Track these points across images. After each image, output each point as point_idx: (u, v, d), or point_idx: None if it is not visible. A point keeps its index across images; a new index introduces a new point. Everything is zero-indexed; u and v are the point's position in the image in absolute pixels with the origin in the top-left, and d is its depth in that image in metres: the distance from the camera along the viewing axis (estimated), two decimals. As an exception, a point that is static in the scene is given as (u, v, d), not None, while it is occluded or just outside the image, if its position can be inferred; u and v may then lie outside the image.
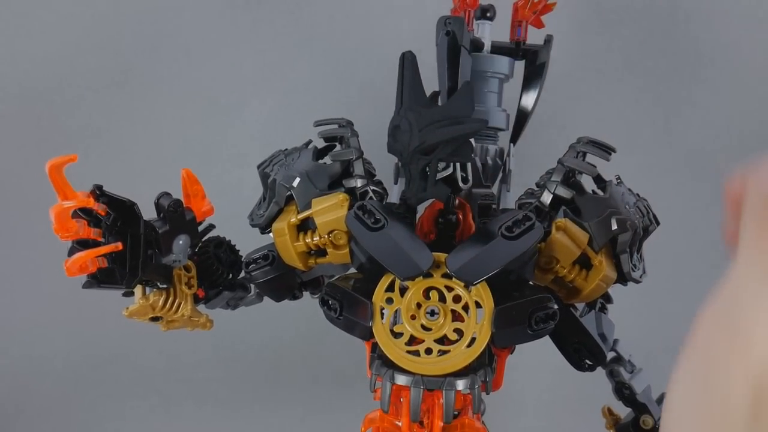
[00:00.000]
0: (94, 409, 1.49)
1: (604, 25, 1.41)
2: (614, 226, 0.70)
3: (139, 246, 0.71)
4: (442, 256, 0.66)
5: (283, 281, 0.80)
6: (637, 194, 0.77)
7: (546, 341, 0.74)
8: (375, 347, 0.71)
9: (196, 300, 0.83)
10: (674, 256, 1.49)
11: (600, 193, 0.74)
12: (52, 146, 1.41)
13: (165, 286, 0.78)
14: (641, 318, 1.50)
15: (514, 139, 0.88)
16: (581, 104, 1.44)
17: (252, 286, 0.88)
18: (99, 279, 0.72)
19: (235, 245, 0.88)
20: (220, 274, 0.84)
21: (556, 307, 0.66)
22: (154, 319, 0.80)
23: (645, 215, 0.75)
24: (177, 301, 0.78)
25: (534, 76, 0.87)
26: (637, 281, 0.74)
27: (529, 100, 0.88)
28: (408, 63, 0.66)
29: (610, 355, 0.86)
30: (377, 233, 0.65)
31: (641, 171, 1.46)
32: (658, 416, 0.86)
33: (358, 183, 0.72)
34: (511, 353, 0.78)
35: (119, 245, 0.71)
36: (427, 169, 0.67)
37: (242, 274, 0.86)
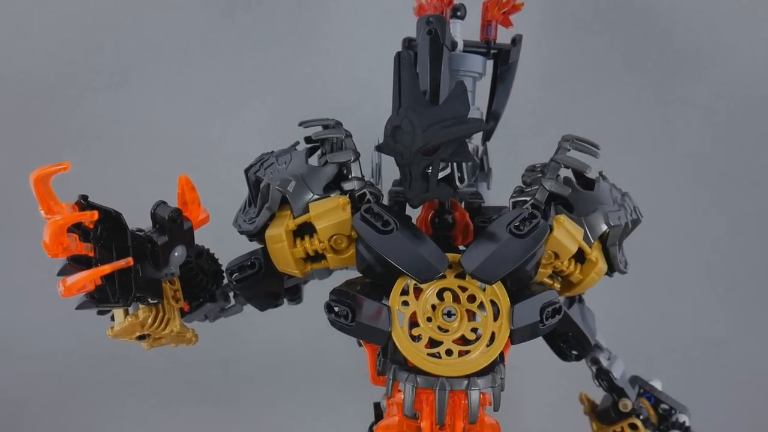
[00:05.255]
0: (94, 409, 1.49)
1: (604, 25, 1.41)
2: (607, 221, 0.71)
3: (127, 257, 0.65)
4: (455, 257, 0.66)
5: (270, 289, 0.77)
6: (620, 189, 0.77)
7: (540, 340, 0.75)
8: (384, 351, 0.70)
9: (181, 314, 0.76)
10: (673, 255, 1.49)
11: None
12: (52, 146, 1.41)
13: (155, 301, 0.72)
14: (640, 315, 1.51)
15: (487, 137, 0.88)
16: (581, 104, 1.44)
17: (231, 295, 0.84)
18: (97, 299, 0.66)
19: (214, 254, 0.83)
20: (205, 285, 0.79)
21: (561, 301, 0.67)
22: (141, 337, 0.74)
23: (632, 210, 0.76)
24: (166, 316, 0.72)
25: (505, 75, 0.87)
26: (623, 272, 0.76)
27: (500, 99, 0.88)
28: (404, 62, 0.66)
29: None
30: (389, 236, 0.64)
31: (641, 171, 1.47)
32: (634, 399, 0.89)
33: (356, 185, 0.70)
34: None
35: (130, 261, 0.64)
36: (428, 169, 0.67)
37: (224, 283, 0.82)
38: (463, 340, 0.65)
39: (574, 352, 0.82)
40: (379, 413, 0.88)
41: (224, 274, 0.77)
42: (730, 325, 1.49)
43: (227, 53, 1.41)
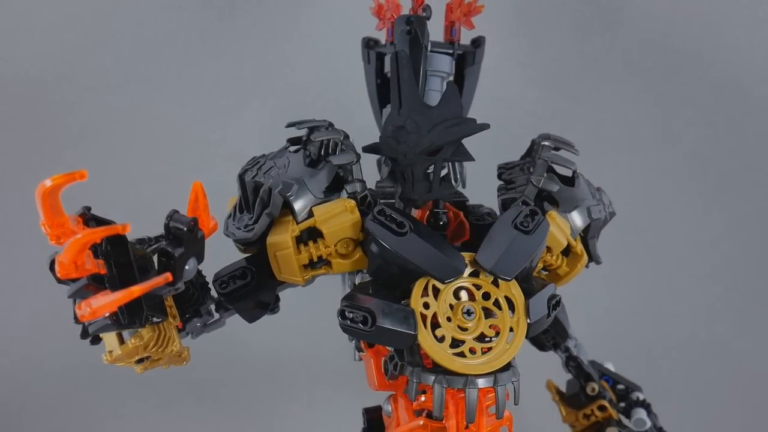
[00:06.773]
0: (94, 409, 1.49)
1: (604, 25, 1.41)
2: (590, 215, 0.74)
3: (131, 274, 0.59)
4: (468, 255, 0.66)
5: (262, 299, 0.74)
6: (593, 185, 0.79)
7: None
8: (400, 354, 0.69)
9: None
10: (673, 255, 1.49)
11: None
12: (52, 146, 1.41)
13: (159, 319, 0.66)
14: (640, 315, 1.50)
15: None
16: (581, 104, 1.44)
17: (213, 309, 0.78)
18: (116, 320, 0.61)
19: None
20: (196, 299, 0.74)
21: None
22: (139, 360, 0.69)
23: (608, 204, 0.79)
24: (167, 336, 0.68)
25: (470, 76, 0.87)
26: (599, 263, 0.78)
27: (466, 100, 0.88)
28: (403, 62, 0.66)
29: None
30: (405, 237, 0.64)
31: (641, 170, 1.47)
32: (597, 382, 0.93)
33: (359, 187, 0.69)
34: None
35: (169, 276, 0.58)
36: (429, 170, 0.67)
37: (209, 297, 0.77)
38: (480, 338, 0.65)
39: (552, 342, 0.85)
40: (373, 419, 0.84)
41: (210, 287, 0.74)
42: (730, 325, 1.49)
43: (227, 53, 1.41)
